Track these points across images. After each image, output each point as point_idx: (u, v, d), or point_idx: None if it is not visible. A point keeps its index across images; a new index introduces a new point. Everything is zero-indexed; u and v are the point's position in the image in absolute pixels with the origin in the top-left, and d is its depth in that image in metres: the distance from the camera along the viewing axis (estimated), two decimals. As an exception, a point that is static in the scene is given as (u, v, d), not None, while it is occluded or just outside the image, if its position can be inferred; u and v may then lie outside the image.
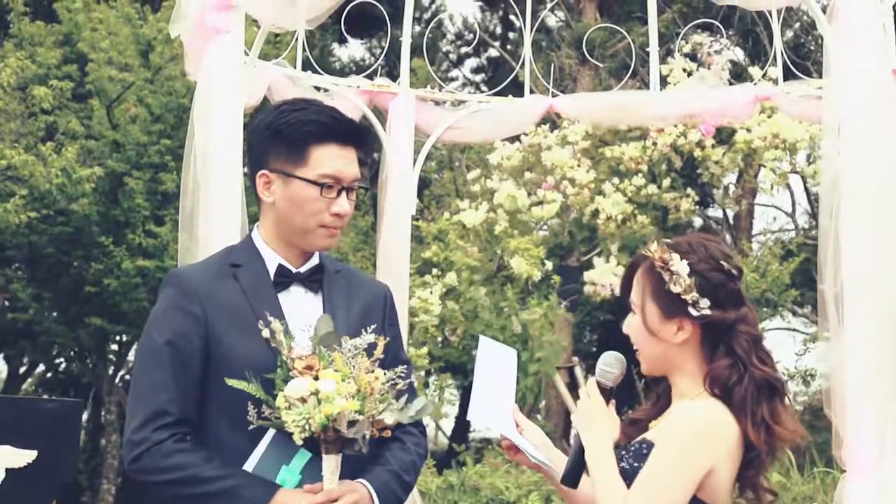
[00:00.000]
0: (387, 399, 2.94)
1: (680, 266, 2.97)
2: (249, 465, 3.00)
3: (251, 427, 2.92)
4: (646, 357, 3.05)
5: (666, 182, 9.84)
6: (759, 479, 2.97)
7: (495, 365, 3.22)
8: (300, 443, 2.88)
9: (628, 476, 2.90)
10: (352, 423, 2.86)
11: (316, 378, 2.87)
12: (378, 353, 2.98)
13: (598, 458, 2.93)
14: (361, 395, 2.88)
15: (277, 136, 3.14)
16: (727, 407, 2.92)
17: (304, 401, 2.84)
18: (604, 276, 9.60)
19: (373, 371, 2.93)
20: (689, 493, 2.85)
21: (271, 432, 2.97)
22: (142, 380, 3.09)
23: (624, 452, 2.98)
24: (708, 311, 2.96)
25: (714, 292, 2.97)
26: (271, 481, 2.98)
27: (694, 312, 2.96)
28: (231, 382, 2.94)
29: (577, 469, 3.00)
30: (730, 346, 2.97)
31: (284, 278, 3.15)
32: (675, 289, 2.96)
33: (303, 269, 3.18)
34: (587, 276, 10.02)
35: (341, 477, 2.97)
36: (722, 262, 3.00)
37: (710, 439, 2.88)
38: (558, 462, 3.16)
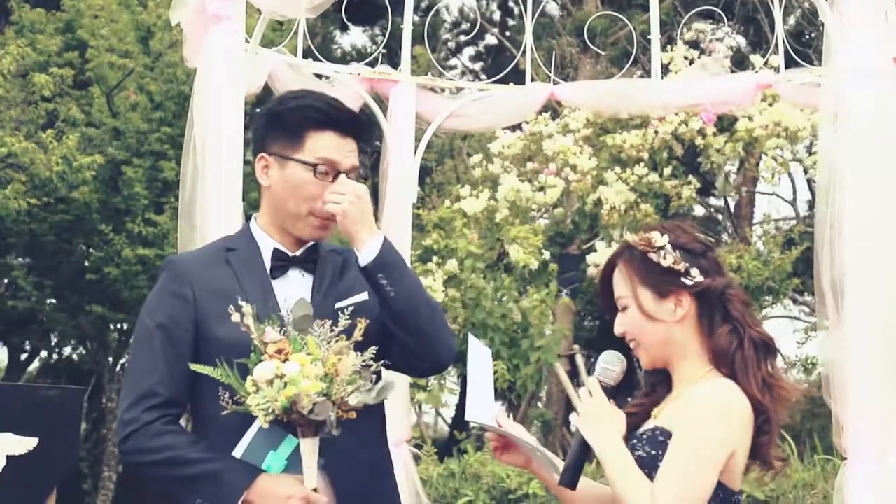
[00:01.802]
0: (355, 380, 2.91)
1: (663, 241, 3.01)
2: (239, 451, 3.01)
3: (224, 413, 2.93)
4: (647, 347, 3.04)
5: (667, 170, 9.82)
6: (772, 444, 2.96)
7: (480, 363, 3.22)
8: (266, 426, 2.88)
9: (646, 464, 2.87)
10: (315, 406, 2.84)
11: (285, 361, 2.88)
12: (357, 335, 2.96)
13: (613, 455, 2.89)
14: (329, 377, 2.87)
15: (276, 120, 3.17)
16: (734, 377, 2.93)
17: (271, 384, 2.85)
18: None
19: (347, 353, 2.92)
20: (715, 477, 2.85)
21: None
22: (134, 363, 3.13)
23: (636, 441, 2.96)
24: (700, 279, 2.99)
25: (699, 262, 3.02)
26: (255, 466, 2.99)
27: (688, 282, 2.98)
28: (195, 367, 2.97)
29: (576, 469, 2.96)
30: (726, 311, 3.00)
31: (281, 262, 3.17)
32: (666, 262, 2.99)
33: (299, 253, 3.20)
34: (590, 259, 10.00)
35: (338, 460, 2.98)
36: (698, 235, 3.06)
37: (731, 421, 2.88)
38: (547, 461, 3.14)
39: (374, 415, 3.08)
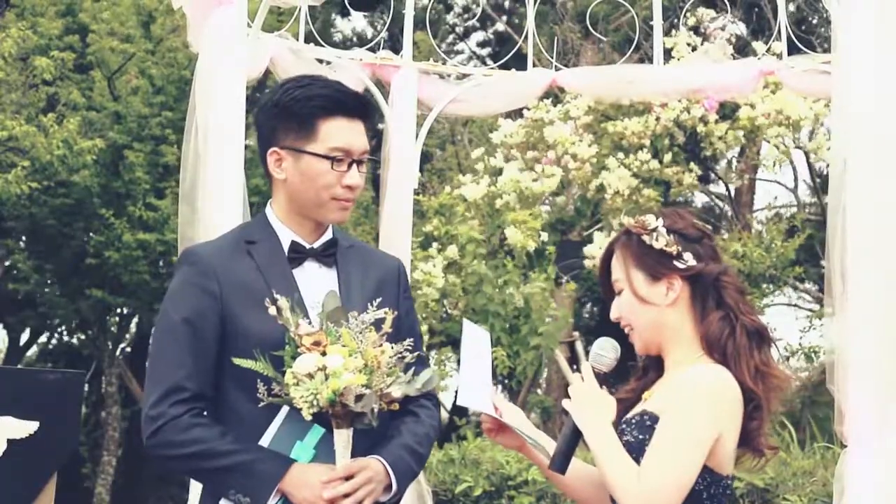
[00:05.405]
0: (394, 372, 2.95)
1: (657, 223, 3.04)
2: (265, 441, 3.02)
3: (261, 405, 2.95)
4: (640, 330, 3.06)
5: (668, 157, 9.80)
6: (761, 431, 2.98)
7: (476, 347, 3.22)
8: (309, 418, 2.90)
9: (634, 449, 2.89)
10: (359, 398, 2.86)
11: (323, 354, 2.88)
12: (387, 327, 2.98)
13: (601, 439, 2.91)
14: (369, 369, 2.89)
15: (285, 112, 3.16)
16: (725, 364, 2.94)
17: (311, 376, 2.86)
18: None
19: (381, 345, 2.94)
20: (701, 460, 2.86)
21: (286, 409, 2.99)
22: (159, 357, 3.12)
23: (625, 426, 2.98)
24: (693, 263, 3.01)
25: (694, 247, 3.04)
26: (286, 456, 3.00)
27: (680, 265, 3.01)
28: (238, 361, 2.97)
29: (567, 453, 2.97)
30: (719, 296, 3.02)
31: (298, 254, 3.17)
32: (658, 244, 3.02)
33: (316, 245, 3.20)
34: (587, 251, 10.00)
35: (357, 451, 2.99)
36: (695, 221, 3.09)
37: (717, 405, 2.89)
38: (541, 449, 3.14)
39: (384, 415, 3.08)
